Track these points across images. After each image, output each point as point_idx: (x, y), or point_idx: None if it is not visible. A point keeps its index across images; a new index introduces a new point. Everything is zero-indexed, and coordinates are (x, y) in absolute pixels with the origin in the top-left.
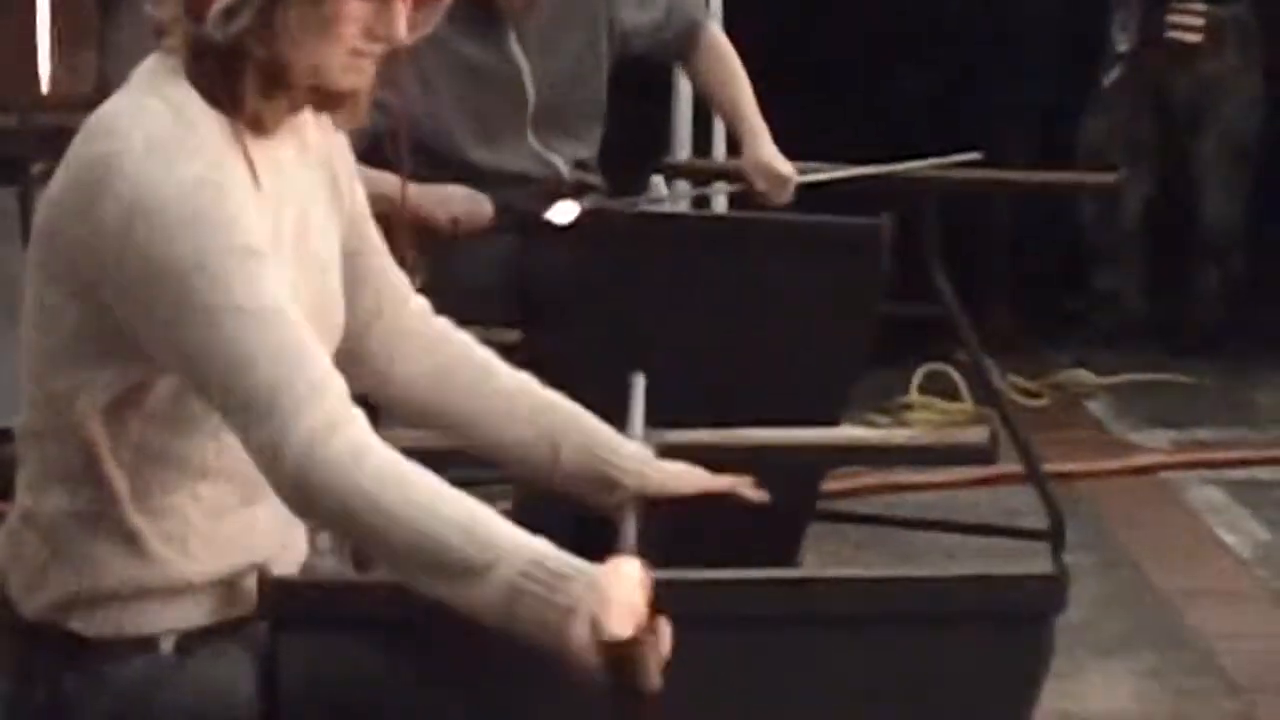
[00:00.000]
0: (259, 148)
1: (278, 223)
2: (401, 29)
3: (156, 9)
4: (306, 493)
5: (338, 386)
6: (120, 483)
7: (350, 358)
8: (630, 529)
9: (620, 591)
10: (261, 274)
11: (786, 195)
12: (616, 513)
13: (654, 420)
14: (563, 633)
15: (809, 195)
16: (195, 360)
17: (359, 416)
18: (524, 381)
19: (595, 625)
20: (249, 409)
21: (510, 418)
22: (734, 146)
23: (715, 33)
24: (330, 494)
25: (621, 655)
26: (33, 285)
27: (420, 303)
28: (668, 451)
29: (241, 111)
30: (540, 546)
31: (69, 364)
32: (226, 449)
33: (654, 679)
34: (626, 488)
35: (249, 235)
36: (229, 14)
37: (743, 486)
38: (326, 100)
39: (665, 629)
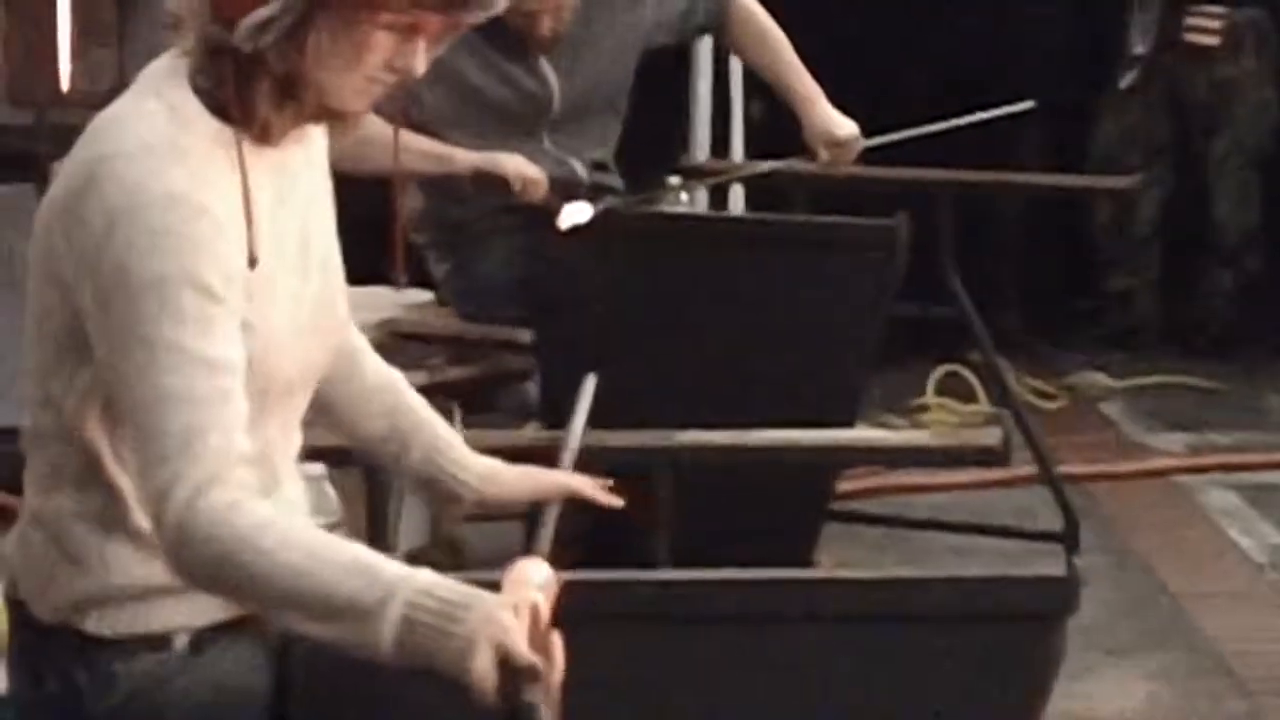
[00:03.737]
0: (261, 152)
1: (277, 225)
2: (421, 65)
3: (176, 4)
4: (185, 541)
5: (240, 451)
6: (124, 483)
7: None
8: (547, 530)
9: (515, 621)
10: (212, 318)
11: (851, 157)
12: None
13: (667, 421)
14: (462, 664)
15: (821, 197)
16: (121, 379)
17: (250, 481)
18: (388, 378)
19: (498, 654)
20: (149, 449)
21: (366, 412)
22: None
23: (743, 3)
24: (209, 542)
25: (522, 684)
26: (32, 286)
27: None
28: (683, 452)
29: (251, 120)
30: (429, 576)
31: (62, 365)
32: None
33: (554, 704)
34: (465, 501)
35: (213, 269)
36: (261, 28)
37: (587, 488)
38: (329, 116)
39: (558, 647)
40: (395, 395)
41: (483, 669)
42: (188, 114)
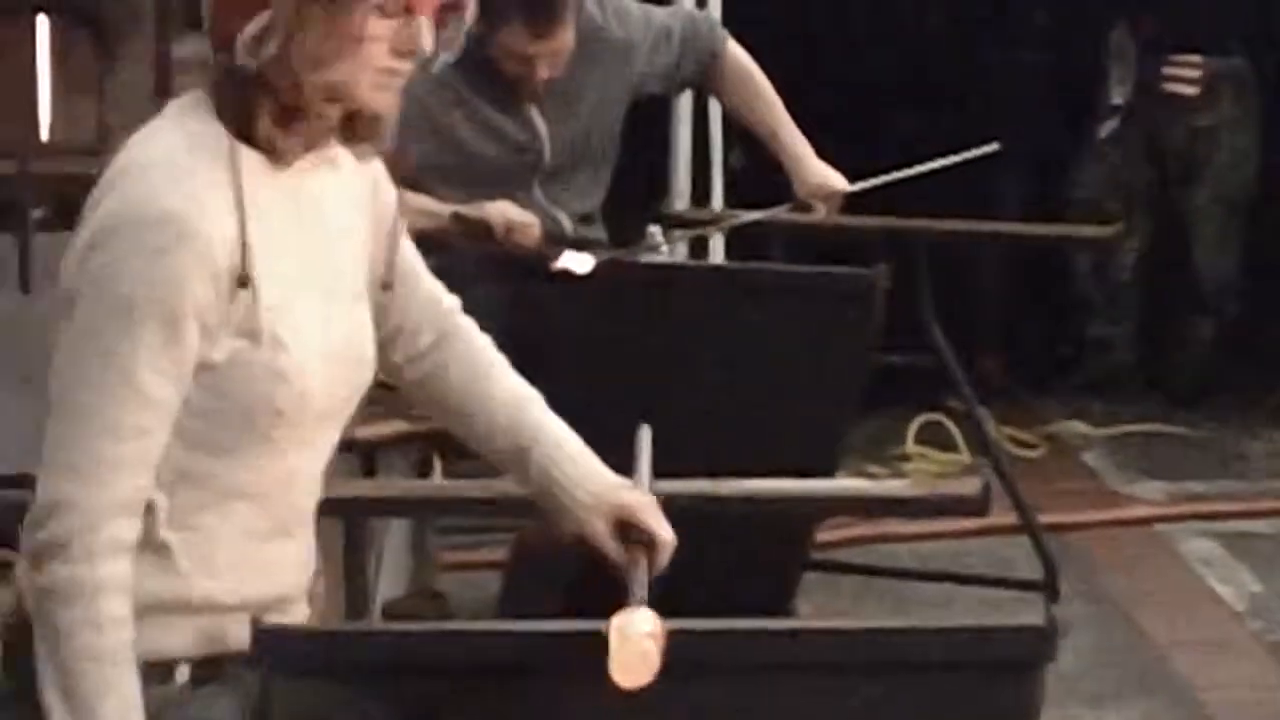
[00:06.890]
0: (274, 176)
1: (292, 248)
2: (428, 42)
3: (194, 49)
4: (36, 567)
5: (134, 495)
6: (159, 500)
7: None
8: (642, 578)
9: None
10: (166, 353)
11: (836, 207)
12: (626, 561)
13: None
14: None
15: (801, 246)
16: (67, 383)
17: (128, 534)
18: (518, 396)
19: None
20: (59, 456)
21: (491, 426)
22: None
23: (734, 55)
24: (54, 580)
25: None
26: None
27: (451, 302)
28: (661, 500)
29: (256, 141)
30: None
31: None
32: (263, 476)
33: None
34: (573, 522)
35: (188, 301)
36: (258, 41)
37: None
38: (354, 126)
39: None
40: (521, 411)
41: None
42: (200, 137)
